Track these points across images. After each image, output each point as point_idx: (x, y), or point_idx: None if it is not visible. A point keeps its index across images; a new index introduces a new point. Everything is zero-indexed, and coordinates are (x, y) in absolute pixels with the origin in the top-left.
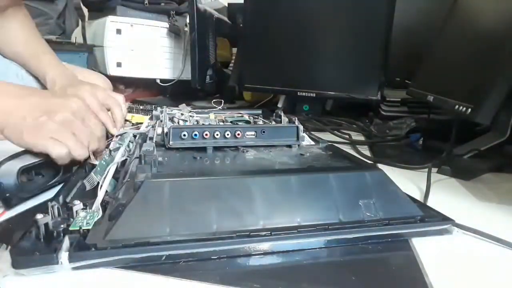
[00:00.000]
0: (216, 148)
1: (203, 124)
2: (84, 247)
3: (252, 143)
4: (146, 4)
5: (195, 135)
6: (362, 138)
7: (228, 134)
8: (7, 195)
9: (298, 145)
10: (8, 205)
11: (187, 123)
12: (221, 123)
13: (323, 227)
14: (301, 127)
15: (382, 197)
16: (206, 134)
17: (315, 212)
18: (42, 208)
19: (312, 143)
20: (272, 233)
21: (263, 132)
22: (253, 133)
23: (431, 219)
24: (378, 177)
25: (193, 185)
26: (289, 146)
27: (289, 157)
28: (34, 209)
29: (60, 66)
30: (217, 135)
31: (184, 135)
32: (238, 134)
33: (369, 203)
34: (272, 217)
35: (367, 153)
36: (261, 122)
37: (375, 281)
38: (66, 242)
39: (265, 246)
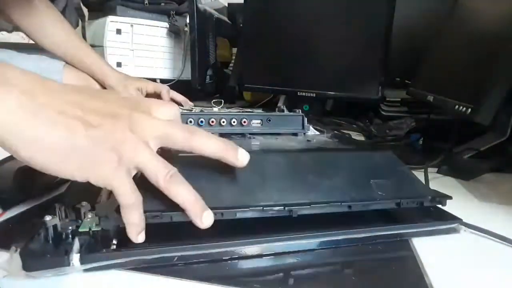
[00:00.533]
0: (222, 135)
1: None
2: (95, 249)
3: (258, 131)
4: (146, 4)
5: (201, 121)
6: (362, 138)
7: (234, 122)
8: (4, 196)
9: (304, 133)
10: (5, 206)
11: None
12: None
13: (336, 205)
14: (305, 118)
15: (392, 177)
16: (212, 121)
17: (327, 190)
18: (43, 208)
19: (317, 133)
20: (286, 208)
21: (269, 120)
22: (259, 121)
23: (438, 217)
24: (387, 157)
25: (204, 162)
26: (295, 135)
27: (297, 142)
28: (34, 209)
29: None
30: (223, 122)
31: (190, 121)
32: (244, 122)
33: (380, 182)
34: (285, 194)
35: None
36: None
37: (376, 281)
38: (76, 244)
39: (268, 246)
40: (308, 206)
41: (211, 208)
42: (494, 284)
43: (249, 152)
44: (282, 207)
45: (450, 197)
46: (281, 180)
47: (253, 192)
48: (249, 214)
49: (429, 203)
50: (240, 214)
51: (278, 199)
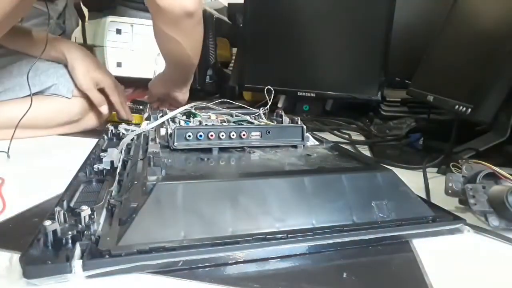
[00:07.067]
0: (221, 149)
1: (206, 124)
2: (97, 255)
3: (257, 143)
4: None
5: (200, 136)
6: (362, 138)
7: (233, 135)
8: None
9: (303, 145)
10: None
11: (190, 124)
12: (225, 124)
13: (338, 229)
14: (305, 128)
15: (394, 198)
16: (211, 135)
17: (329, 214)
18: (43, 208)
19: (317, 143)
20: (288, 235)
21: (268, 132)
22: (258, 133)
23: (443, 218)
24: (389, 177)
25: (206, 187)
26: (294, 147)
27: (296, 158)
28: (34, 210)
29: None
30: (222, 135)
31: (189, 136)
32: (244, 135)
33: (382, 204)
34: (287, 219)
35: (367, 153)
36: (264, 123)
37: (376, 281)
38: (77, 250)
39: (269, 249)
40: (311, 233)
41: (214, 238)
42: (497, 285)
43: (250, 176)
44: (285, 235)
45: (452, 217)
46: (283, 204)
47: (255, 218)
48: (252, 243)
49: (431, 223)
50: (244, 245)
51: (280, 225)
